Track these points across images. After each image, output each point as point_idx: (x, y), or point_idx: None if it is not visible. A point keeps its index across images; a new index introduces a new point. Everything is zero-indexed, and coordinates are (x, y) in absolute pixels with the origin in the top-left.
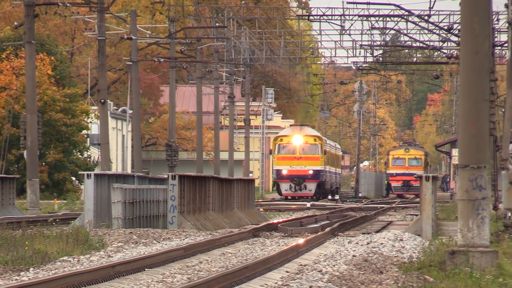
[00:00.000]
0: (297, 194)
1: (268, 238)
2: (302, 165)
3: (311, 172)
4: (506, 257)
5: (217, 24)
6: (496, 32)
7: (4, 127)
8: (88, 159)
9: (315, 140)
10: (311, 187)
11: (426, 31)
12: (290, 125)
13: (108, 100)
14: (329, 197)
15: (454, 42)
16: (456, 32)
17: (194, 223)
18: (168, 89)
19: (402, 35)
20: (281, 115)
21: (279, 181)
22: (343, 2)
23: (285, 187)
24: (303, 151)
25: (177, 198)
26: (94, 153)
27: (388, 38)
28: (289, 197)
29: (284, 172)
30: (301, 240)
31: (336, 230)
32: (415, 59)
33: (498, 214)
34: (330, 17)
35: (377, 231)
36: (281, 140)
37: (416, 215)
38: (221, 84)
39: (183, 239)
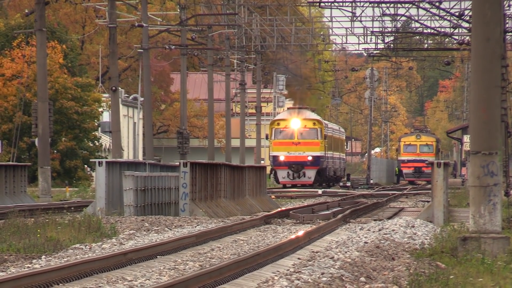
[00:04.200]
0: (295, 182)
1: (279, 225)
2: (300, 151)
3: (310, 158)
4: None
5: (228, 11)
6: (507, 18)
7: (15, 115)
8: (100, 146)
9: (314, 124)
10: (310, 174)
11: (437, 18)
12: (288, 108)
13: (119, 88)
14: (340, 184)
15: (465, 28)
16: (467, 18)
17: (206, 210)
18: (179, 77)
19: (413, 22)
20: (292, 102)
21: (276, 168)
22: None
23: (282, 174)
24: (302, 135)
25: (188, 186)
26: (106, 140)
27: (399, 25)
28: (288, 185)
29: (282, 158)
30: (312, 227)
31: (348, 217)
32: (426, 45)
33: (509, 200)
34: (341, 3)
35: (389, 218)
36: (278, 124)
37: (428, 201)
38: (232, 71)
39: (195, 226)
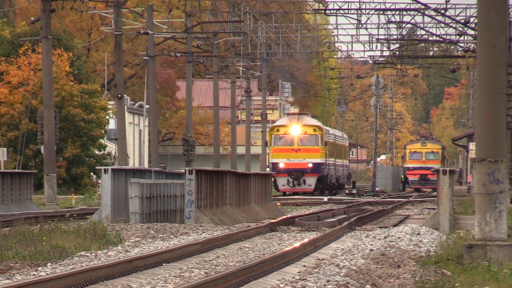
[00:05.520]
0: (295, 190)
1: (285, 233)
2: (300, 158)
3: (310, 165)
4: None
5: (233, 18)
6: None
7: (21, 123)
8: (108, 155)
9: (314, 130)
10: (311, 181)
11: (442, 25)
12: (288, 114)
13: (125, 95)
14: (346, 191)
15: (471, 35)
16: (473, 25)
17: (211, 217)
18: (184, 84)
19: (418, 29)
20: (298, 109)
21: (275, 175)
22: None
23: (282, 181)
24: (302, 142)
25: (194, 193)
26: (111, 148)
27: (404, 32)
28: (287, 193)
29: (281, 165)
30: (318, 235)
31: (353, 224)
32: (431, 53)
33: None
34: (346, 11)
35: (395, 225)
36: (278, 130)
37: (434, 209)
38: (237, 79)
39: (201, 234)
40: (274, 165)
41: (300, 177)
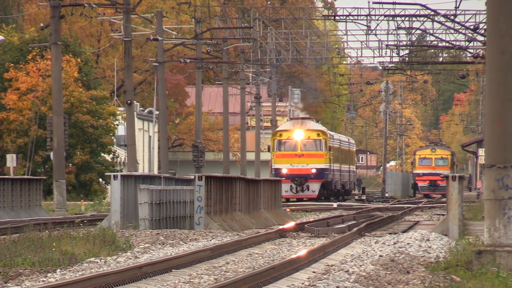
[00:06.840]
0: (298, 196)
1: (295, 239)
2: (303, 163)
3: (314, 171)
4: None
5: (243, 24)
6: None
7: (31, 129)
8: (115, 161)
9: (318, 135)
10: (314, 187)
11: (452, 31)
12: (291, 118)
13: (135, 101)
14: (356, 197)
15: (480, 41)
16: (482, 31)
17: (221, 223)
18: (194, 90)
19: (428, 35)
20: (307, 115)
21: None
22: (369, 2)
23: (285, 188)
24: (305, 147)
25: (203, 199)
26: (121, 154)
27: (414, 38)
28: (290, 199)
29: (284, 171)
30: (327, 241)
31: (363, 230)
32: (441, 59)
33: None
34: (356, 17)
35: (404, 231)
36: (280, 135)
37: (443, 215)
38: (247, 85)
39: (210, 240)
40: (277, 171)
41: (303, 183)
